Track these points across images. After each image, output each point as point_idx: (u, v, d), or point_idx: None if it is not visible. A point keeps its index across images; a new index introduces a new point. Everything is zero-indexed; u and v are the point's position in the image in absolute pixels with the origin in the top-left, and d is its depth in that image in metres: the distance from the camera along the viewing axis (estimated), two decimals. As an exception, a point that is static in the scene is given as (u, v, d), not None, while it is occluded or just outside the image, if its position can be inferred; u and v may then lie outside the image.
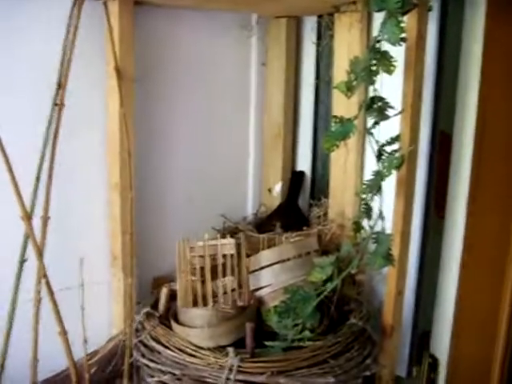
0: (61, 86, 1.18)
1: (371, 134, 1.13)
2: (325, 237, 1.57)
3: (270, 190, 1.85)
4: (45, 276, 0.99)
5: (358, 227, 1.21)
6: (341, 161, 1.57)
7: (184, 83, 1.57)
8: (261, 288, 1.35)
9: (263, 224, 1.75)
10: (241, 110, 1.78)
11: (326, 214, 1.67)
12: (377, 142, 1.14)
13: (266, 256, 1.37)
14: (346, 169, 1.56)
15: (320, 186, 1.80)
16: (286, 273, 1.34)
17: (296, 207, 1.79)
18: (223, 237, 1.37)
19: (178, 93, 1.56)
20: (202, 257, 1.33)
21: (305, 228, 1.61)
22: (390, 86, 1.21)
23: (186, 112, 1.60)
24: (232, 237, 1.38)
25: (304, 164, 1.84)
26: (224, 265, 1.33)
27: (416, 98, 1.22)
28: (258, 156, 1.84)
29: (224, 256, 1.33)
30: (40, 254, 1.02)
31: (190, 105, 1.61)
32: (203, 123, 1.66)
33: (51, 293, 1.00)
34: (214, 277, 1.32)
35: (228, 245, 1.34)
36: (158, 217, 1.56)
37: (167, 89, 1.53)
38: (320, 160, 1.80)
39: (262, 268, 1.36)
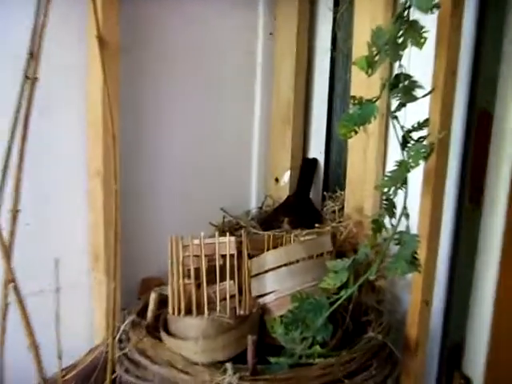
0: (33, 56, 1.15)
1: (395, 117, 1.11)
2: (340, 236, 1.56)
3: (277, 180, 1.84)
4: (13, 280, 0.98)
5: (378, 226, 1.19)
6: (360, 148, 1.55)
7: (179, 56, 1.57)
8: (265, 294, 1.35)
9: (269, 219, 1.74)
10: (245, 88, 1.78)
11: (341, 209, 1.67)
12: (402, 127, 1.12)
13: (271, 257, 1.37)
14: (366, 158, 1.54)
15: (335, 176, 1.79)
16: (295, 277, 1.34)
17: (307, 200, 1.78)
18: (222, 234, 1.37)
19: (173, 68, 1.56)
20: (197, 257, 1.33)
21: (317, 225, 1.61)
22: (419, 62, 1.19)
23: (182, 90, 1.60)
24: (232, 234, 1.39)
25: (317, 150, 1.83)
26: (223, 267, 1.33)
27: (449, 75, 1.19)
28: (264, 141, 1.84)
29: (223, 256, 1.33)
30: (8, 254, 1.00)
31: (186, 82, 1.60)
32: (201, 103, 1.65)
33: (20, 299, 0.98)
34: (211, 280, 1.32)
35: (227, 243, 1.34)
36: (146, 210, 1.56)
37: (160, 63, 1.53)
38: (336, 146, 1.79)
39: (267, 271, 1.36)
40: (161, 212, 1.59)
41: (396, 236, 1.13)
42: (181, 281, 1.30)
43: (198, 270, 1.32)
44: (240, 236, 1.38)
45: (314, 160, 1.83)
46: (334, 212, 1.69)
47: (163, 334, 1.30)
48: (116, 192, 1.29)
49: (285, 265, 1.35)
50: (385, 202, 1.17)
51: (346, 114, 1.13)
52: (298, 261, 1.35)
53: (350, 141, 1.57)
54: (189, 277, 1.31)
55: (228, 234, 1.36)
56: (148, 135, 1.54)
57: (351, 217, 1.59)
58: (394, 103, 1.12)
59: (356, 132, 1.12)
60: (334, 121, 1.77)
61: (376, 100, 1.10)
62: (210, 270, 1.32)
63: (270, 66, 1.78)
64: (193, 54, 1.59)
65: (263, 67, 1.78)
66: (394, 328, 1.39)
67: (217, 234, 1.36)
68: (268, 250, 1.42)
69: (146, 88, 1.50)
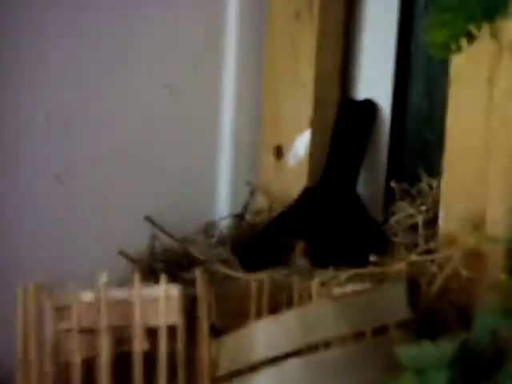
0: None
1: None
2: (428, 283, 1.55)
3: (279, 152, 1.87)
4: None
5: (521, 262, 1.16)
6: (477, 84, 1.55)
7: None
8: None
9: (259, 244, 1.77)
10: None
11: (432, 222, 1.66)
12: None
13: (265, 335, 1.36)
14: (492, 104, 1.54)
15: (418, 145, 1.83)
16: (322, 381, 1.32)
17: (351, 199, 1.81)
18: (150, 278, 1.38)
19: None
20: (90, 332, 1.31)
21: (374, 258, 1.59)
22: None
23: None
24: (175, 279, 1.41)
25: (375, 85, 1.85)
26: (151, 357, 1.31)
27: None
28: (250, 59, 1.89)
29: (152, 333, 1.32)
30: None
31: None
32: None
33: None
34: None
35: (162, 302, 1.33)
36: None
37: None
38: (419, 78, 1.82)
39: (255, 368, 1.34)
40: (6, 227, 1.61)
41: None
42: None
43: (90, 366, 1.29)
44: (193, 283, 1.37)
45: (370, 105, 1.84)
46: (413, 228, 1.68)
47: None
48: None
49: (297, 353, 1.33)
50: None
51: (446, 3, 1.11)
52: (328, 344, 1.34)
53: (452, 67, 1.57)
54: (70, 381, 1.31)
55: (164, 277, 1.34)
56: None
57: (455, 239, 1.57)
58: None
59: (470, 42, 1.08)
60: (415, 17, 1.79)
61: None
62: (122, 366, 1.31)
63: None
64: None
65: None
66: None
67: (137, 277, 1.34)
68: (259, 316, 1.42)
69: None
